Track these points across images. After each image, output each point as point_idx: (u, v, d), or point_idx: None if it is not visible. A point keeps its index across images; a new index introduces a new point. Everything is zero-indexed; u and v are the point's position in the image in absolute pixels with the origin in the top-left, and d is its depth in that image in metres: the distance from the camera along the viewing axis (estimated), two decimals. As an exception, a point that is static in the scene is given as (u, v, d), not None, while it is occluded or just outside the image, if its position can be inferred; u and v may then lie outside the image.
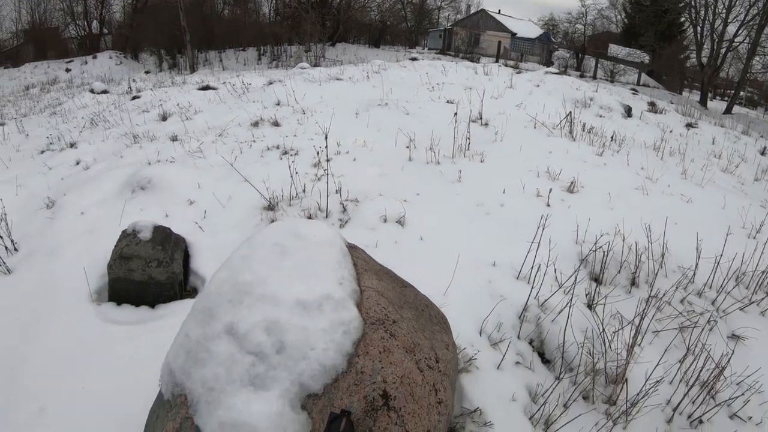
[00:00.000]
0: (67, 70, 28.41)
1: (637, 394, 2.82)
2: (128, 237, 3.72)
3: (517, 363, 3.11)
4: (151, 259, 3.59)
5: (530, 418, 2.85)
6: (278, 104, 8.78)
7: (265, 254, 2.44)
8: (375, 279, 2.54)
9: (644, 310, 3.09)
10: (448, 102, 8.74)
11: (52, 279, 3.81)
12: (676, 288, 3.76)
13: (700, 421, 2.95)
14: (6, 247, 4.10)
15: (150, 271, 3.58)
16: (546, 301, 3.40)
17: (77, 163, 6.51)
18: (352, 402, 2.07)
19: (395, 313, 2.39)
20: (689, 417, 2.99)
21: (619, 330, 3.22)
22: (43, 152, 7.72)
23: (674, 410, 2.96)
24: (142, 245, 3.65)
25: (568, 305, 3.19)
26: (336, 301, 2.28)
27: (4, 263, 3.91)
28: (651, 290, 3.67)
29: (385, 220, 4.31)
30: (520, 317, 3.30)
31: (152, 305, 3.56)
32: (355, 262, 2.55)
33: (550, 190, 4.83)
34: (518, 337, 3.22)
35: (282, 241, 2.50)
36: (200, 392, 2.14)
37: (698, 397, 2.95)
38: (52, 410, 3.01)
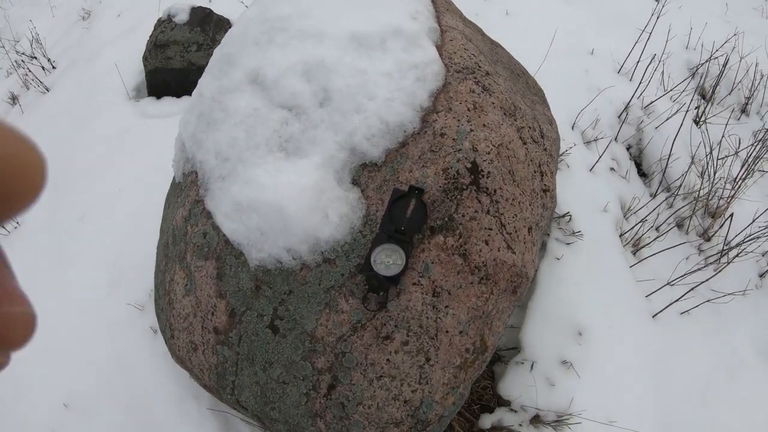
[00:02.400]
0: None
1: (737, 235, 1.83)
2: (163, 23, 2.70)
3: (612, 169, 2.11)
4: (190, 43, 2.60)
5: (620, 236, 1.92)
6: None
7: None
8: (460, 22, 1.48)
9: (757, 141, 1.97)
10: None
11: (90, 86, 2.91)
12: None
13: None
14: (43, 67, 3.16)
15: (189, 57, 2.61)
16: (651, 103, 2.28)
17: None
18: (426, 176, 1.14)
19: (488, 65, 1.36)
20: None
21: (725, 158, 2.13)
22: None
23: None
24: (178, 29, 2.64)
25: (679, 112, 2.08)
26: (407, 37, 1.27)
27: (42, 83, 2.99)
28: (764, 122, 2.48)
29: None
30: (619, 117, 2.22)
31: (194, 94, 2.65)
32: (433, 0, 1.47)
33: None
34: (615, 140, 2.18)
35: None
36: (212, 165, 1.26)
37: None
38: (91, 218, 2.30)
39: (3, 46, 3.30)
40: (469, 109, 1.22)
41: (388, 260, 1.03)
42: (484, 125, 1.22)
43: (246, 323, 1.16)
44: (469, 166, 1.17)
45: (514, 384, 1.58)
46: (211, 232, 1.23)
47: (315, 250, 1.12)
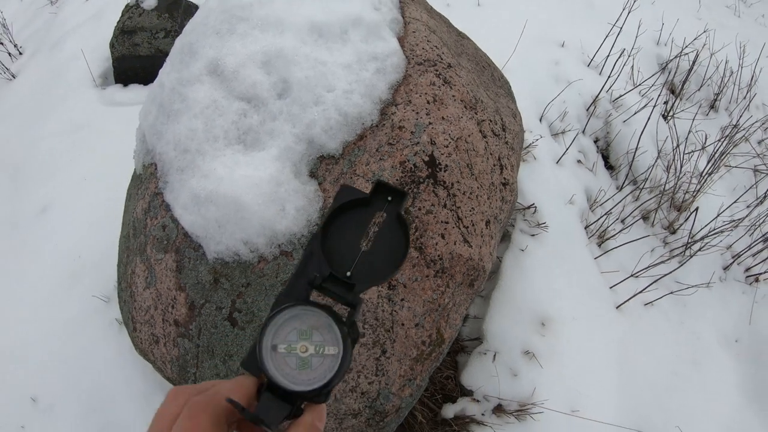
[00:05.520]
0: None
1: (701, 229, 1.91)
2: (131, 9, 2.67)
3: (579, 162, 2.16)
4: (158, 29, 2.57)
5: (585, 228, 1.98)
6: None
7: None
8: (425, 13, 1.49)
9: (724, 137, 2.04)
10: None
11: (55, 72, 2.85)
12: (760, 125, 2.62)
13: (756, 279, 2.06)
14: (9, 53, 3.08)
15: (157, 44, 2.58)
16: (620, 97, 2.33)
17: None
18: (383, 169, 1.17)
19: (451, 57, 1.38)
20: (747, 270, 2.11)
21: (692, 152, 2.19)
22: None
23: (734, 258, 2.07)
24: (146, 15, 2.60)
25: (648, 107, 2.14)
26: (368, 27, 1.28)
27: (8, 70, 2.92)
28: (732, 119, 2.55)
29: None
30: (588, 109, 2.27)
31: (162, 81, 2.62)
32: (396, -10, 1.48)
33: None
34: (583, 132, 2.22)
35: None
36: (171, 157, 1.26)
37: (763, 251, 2.03)
38: (55, 208, 2.28)
39: None
40: (428, 102, 1.25)
41: (303, 350, 0.47)
42: (443, 118, 1.24)
43: (205, 316, 1.18)
44: (426, 159, 1.20)
45: (476, 374, 1.63)
46: (170, 225, 1.25)
47: (272, 242, 1.14)
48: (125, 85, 2.64)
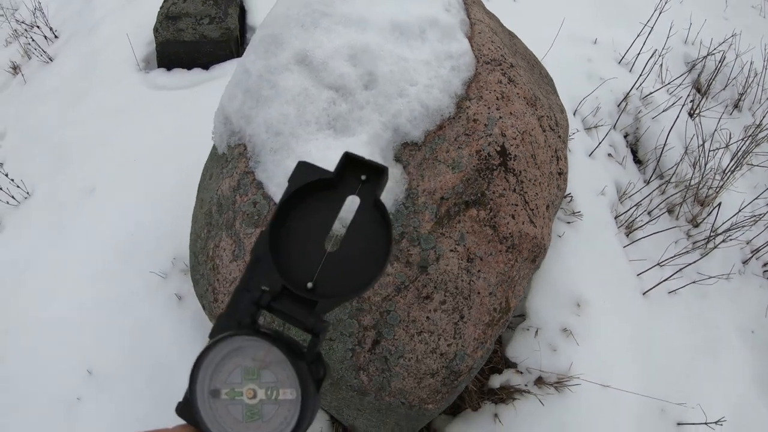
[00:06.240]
0: None
1: (723, 223, 2.08)
2: (174, -5, 2.75)
3: (609, 155, 2.32)
4: (203, 15, 2.67)
5: (615, 218, 2.14)
6: None
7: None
8: (485, 14, 1.64)
9: (747, 137, 2.21)
10: None
11: (95, 56, 2.93)
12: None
13: (774, 276, 2.25)
14: (45, 37, 3.14)
15: (201, 30, 2.67)
16: (650, 95, 2.49)
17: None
18: (462, 156, 1.31)
19: (511, 57, 1.53)
20: (765, 265, 2.29)
21: (716, 150, 2.36)
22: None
23: (753, 253, 2.25)
24: (190, 1, 2.70)
25: (675, 105, 2.30)
26: (442, 29, 1.42)
27: (45, 52, 2.99)
28: (755, 119, 2.73)
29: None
30: (618, 106, 2.43)
31: (205, 67, 2.73)
32: (459, -8, 1.62)
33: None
34: (614, 127, 2.38)
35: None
36: (263, 139, 1.38)
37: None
38: (103, 188, 2.37)
39: (3, 15, 3.27)
40: (497, 98, 1.39)
41: (250, 396, 0.36)
42: (510, 113, 1.39)
43: (297, 284, 1.32)
44: (498, 149, 1.34)
45: (520, 348, 1.78)
46: (262, 201, 1.37)
47: (363, 219, 1.28)
48: (168, 69, 2.74)
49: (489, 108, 1.37)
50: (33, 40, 2.82)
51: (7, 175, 2.37)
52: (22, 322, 2.11)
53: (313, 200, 0.39)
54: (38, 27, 2.93)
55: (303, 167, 0.39)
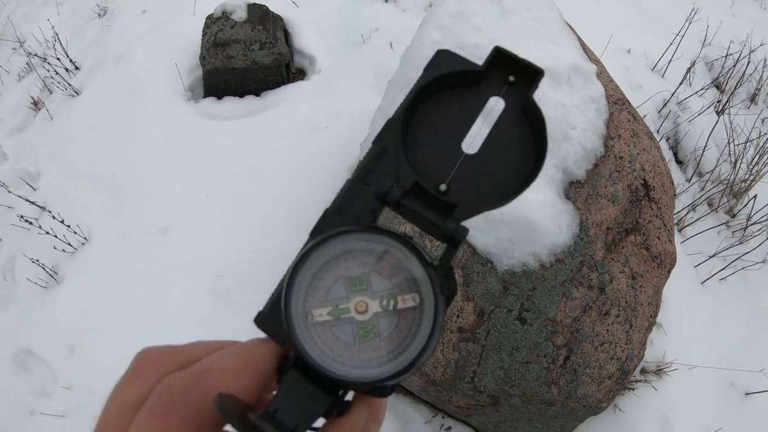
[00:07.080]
0: None
1: (756, 212, 2.48)
2: (219, 21, 2.67)
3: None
4: (253, 41, 2.63)
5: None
6: None
7: (481, 8, 1.66)
8: (590, 51, 1.86)
9: None
10: None
11: (132, 86, 2.72)
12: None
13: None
14: (67, 69, 2.86)
15: (253, 56, 2.63)
16: (685, 99, 2.84)
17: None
18: (617, 191, 1.53)
19: (621, 93, 1.77)
20: None
21: (745, 143, 2.75)
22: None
23: None
24: (239, 27, 2.64)
25: (711, 107, 2.67)
26: (584, 74, 1.62)
27: (70, 85, 2.75)
28: None
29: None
30: (659, 112, 2.78)
31: (257, 93, 2.69)
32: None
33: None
34: (656, 132, 2.72)
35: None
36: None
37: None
38: (177, 227, 2.31)
39: (14, 49, 2.92)
40: (631, 136, 1.63)
41: (361, 309, 0.29)
42: (643, 149, 1.63)
43: (495, 319, 1.47)
44: (642, 182, 1.58)
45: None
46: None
47: (552, 253, 1.46)
48: (219, 97, 2.67)
49: (628, 146, 1.60)
50: (56, 72, 2.59)
51: (63, 222, 2.21)
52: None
53: (450, 96, 0.34)
54: (58, 59, 2.68)
55: (444, 55, 0.33)
